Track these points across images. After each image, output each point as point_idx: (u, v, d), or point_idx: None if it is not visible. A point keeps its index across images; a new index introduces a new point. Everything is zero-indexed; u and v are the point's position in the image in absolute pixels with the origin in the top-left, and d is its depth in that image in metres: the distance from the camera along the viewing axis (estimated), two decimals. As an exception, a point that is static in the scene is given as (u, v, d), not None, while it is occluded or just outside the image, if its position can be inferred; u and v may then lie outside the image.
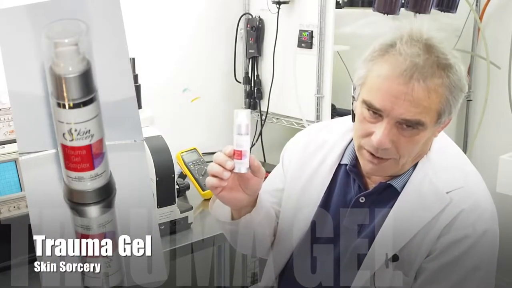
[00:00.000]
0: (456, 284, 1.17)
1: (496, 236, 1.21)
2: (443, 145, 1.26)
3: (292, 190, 1.36)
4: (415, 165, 1.23)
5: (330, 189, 1.31)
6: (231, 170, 1.14)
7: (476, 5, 2.74)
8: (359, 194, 1.27)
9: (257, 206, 1.26)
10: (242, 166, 1.15)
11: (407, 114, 1.11)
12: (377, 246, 1.20)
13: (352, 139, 1.29)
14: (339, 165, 1.32)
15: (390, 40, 1.14)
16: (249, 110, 1.17)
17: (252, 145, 2.58)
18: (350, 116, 1.29)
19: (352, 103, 1.23)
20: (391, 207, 1.22)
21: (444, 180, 1.20)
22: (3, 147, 1.53)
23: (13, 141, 1.67)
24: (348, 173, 1.30)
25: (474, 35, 2.82)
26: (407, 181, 1.22)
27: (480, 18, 2.75)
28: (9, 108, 1.72)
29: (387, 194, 1.24)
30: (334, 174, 1.32)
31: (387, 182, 1.24)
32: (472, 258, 1.17)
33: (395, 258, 1.18)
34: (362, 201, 1.26)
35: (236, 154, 1.14)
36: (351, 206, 1.27)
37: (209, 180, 1.17)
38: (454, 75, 1.13)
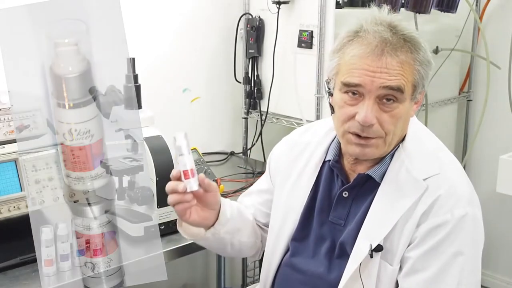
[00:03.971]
0: (439, 270, 1.16)
1: (477, 220, 1.20)
2: (415, 132, 1.28)
3: (281, 191, 1.39)
4: (392, 155, 1.24)
5: (317, 186, 1.34)
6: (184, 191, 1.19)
7: (476, 5, 2.74)
8: (342, 188, 1.29)
9: (220, 218, 1.31)
10: (192, 184, 1.20)
11: (388, 82, 1.14)
12: (362, 238, 1.22)
13: (335, 137, 1.33)
14: (324, 162, 1.35)
15: (355, 27, 1.19)
16: (186, 132, 1.21)
17: (252, 145, 2.58)
18: (329, 120, 1.32)
19: (328, 98, 1.26)
20: (372, 198, 1.24)
21: (420, 168, 1.22)
22: (3, 147, 1.52)
23: (13, 141, 1.67)
24: (332, 170, 1.32)
25: (474, 35, 2.82)
26: (385, 171, 1.24)
27: (480, 18, 2.75)
28: (9, 108, 1.72)
29: (368, 186, 1.26)
30: (319, 172, 1.34)
31: (366, 173, 1.25)
32: (453, 243, 1.16)
33: (379, 248, 1.19)
34: (345, 196, 1.28)
35: (184, 174, 1.19)
36: (335, 201, 1.30)
37: (176, 209, 1.23)
38: (421, 49, 1.18)
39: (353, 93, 1.17)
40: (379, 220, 1.21)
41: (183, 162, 1.19)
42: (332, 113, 1.25)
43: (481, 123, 2.76)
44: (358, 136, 1.19)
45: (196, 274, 2.64)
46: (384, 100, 1.16)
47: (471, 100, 2.93)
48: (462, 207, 1.17)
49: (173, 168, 1.65)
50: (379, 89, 1.15)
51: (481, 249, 1.21)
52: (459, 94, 2.91)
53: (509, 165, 2.23)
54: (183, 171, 1.19)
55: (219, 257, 2.48)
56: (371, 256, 1.19)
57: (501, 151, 2.39)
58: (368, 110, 1.15)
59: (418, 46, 1.17)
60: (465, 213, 1.17)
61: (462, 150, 2.95)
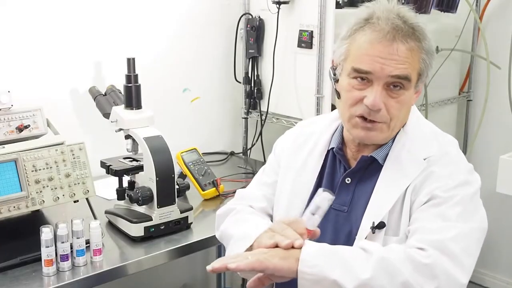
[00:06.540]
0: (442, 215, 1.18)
1: (475, 189, 1.23)
2: (416, 118, 1.32)
3: (285, 180, 1.39)
4: (393, 139, 1.28)
5: (321, 175, 1.35)
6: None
7: (476, 5, 2.74)
8: (344, 174, 1.30)
9: None
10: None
11: (396, 71, 1.18)
12: (366, 218, 1.23)
13: (337, 127, 1.36)
14: (328, 151, 1.36)
15: (366, 14, 1.22)
16: (333, 198, 1.18)
17: (252, 145, 2.58)
18: (333, 112, 1.37)
19: (334, 85, 1.29)
20: (376, 180, 1.26)
21: (421, 149, 1.26)
22: (3, 147, 1.52)
23: (13, 141, 1.67)
24: (335, 157, 1.34)
25: (474, 35, 2.82)
26: (387, 153, 1.27)
27: (480, 18, 2.75)
28: (9, 108, 1.72)
29: (371, 170, 1.28)
30: (324, 161, 1.35)
31: (369, 155, 1.27)
32: (454, 203, 1.18)
33: (381, 225, 1.21)
34: (348, 182, 1.30)
35: (309, 234, 1.17)
36: (337, 187, 1.30)
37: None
38: (427, 39, 1.22)
39: (362, 79, 1.21)
40: (381, 199, 1.23)
41: (313, 222, 1.17)
42: (338, 98, 1.28)
43: (481, 123, 2.76)
44: (364, 119, 1.22)
45: (196, 274, 2.64)
46: (392, 87, 1.20)
47: (471, 100, 2.93)
48: (462, 174, 1.22)
49: (173, 167, 1.66)
50: (388, 77, 1.18)
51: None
52: (459, 94, 2.91)
53: (509, 165, 2.23)
54: (308, 230, 1.17)
55: (219, 257, 2.47)
56: (373, 232, 1.21)
57: (501, 151, 2.39)
58: (377, 96, 1.19)
59: (425, 36, 1.22)
60: (464, 179, 1.21)
61: (462, 150, 2.92)
